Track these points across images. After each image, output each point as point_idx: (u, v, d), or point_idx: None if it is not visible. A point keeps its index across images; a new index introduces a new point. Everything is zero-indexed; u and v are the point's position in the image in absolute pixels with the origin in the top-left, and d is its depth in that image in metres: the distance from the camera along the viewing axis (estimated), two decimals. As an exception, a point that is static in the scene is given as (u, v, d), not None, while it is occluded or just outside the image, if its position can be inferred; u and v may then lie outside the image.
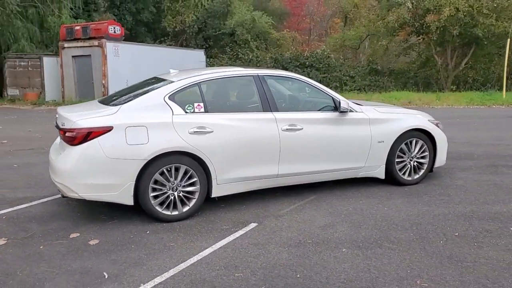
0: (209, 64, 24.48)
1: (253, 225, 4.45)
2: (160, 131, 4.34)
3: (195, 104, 4.62)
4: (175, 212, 4.50)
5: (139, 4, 25.01)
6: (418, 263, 3.60)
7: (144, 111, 4.41)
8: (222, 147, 4.59)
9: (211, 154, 4.53)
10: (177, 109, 4.51)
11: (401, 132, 5.45)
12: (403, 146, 5.53)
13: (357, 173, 5.40)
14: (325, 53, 24.30)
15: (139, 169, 4.25)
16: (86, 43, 17.35)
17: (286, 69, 23.54)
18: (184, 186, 4.49)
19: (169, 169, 4.41)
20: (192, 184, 4.53)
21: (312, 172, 5.10)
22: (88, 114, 4.42)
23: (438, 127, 5.82)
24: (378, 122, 5.35)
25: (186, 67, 20.57)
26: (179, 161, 4.43)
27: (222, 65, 24.04)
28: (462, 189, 5.50)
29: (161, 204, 4.44)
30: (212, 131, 4.55)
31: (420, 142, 5.62)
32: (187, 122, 4.47)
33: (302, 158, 5.00)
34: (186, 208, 4.54)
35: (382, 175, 5.50)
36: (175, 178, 4.45)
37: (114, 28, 17.45)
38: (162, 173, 4.39)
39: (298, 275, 3.42)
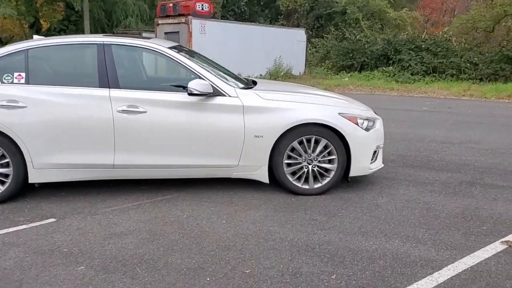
0: (313, 45, 23.35)
1: (49, 220, 3.88)
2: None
3: (15, 74, 4.16)
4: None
5: (253, -17, 24.88)
6: None
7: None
8: (37, 126, 4.09)
9: (23, 133, 4.06)
10: (-9, 78, 4.10)
11: (290, 127, 4.26)
12: (295, 144, 4.31)
13: (230, 173, 4.39)
14: (445, 35, 21.26)
15: None
16: (176, 20, 17.80)
17: (399, 52, 21.32)
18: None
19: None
20: (4, 166, 4.11)
21: (163, 166, 4.28)
22: None
23: (361, 125, 4.41)
24: (255, 111, 4.24)
25: (281, 47, 19.93)
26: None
27: (326, 46, 22.71)
28: (366, 210, 4.16)
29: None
30: (26, 107, 4.05)
31: (323, 142, 4.32)
32: (-3, 94, 4.04)
33: (148, 148, 4.22)
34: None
35: (265, 179, 4.39)
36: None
37: (202, 5, 17.56)
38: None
39: None
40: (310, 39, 23.37)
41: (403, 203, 4.29)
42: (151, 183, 4.69)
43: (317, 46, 23.05)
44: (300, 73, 20.80)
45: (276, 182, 4.49)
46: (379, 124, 4.63)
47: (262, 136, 4.26)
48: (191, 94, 4.09)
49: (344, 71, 20.64)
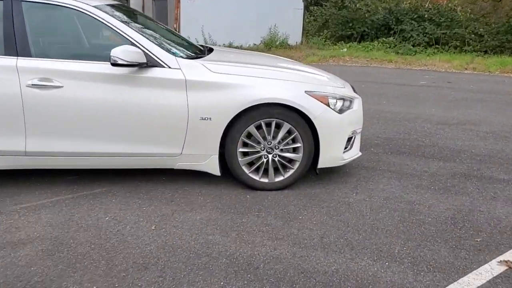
0: (311, 13, 22.21)
1: None
2: None
3: None
4: None
5: None
6: None
7: None
8: None
9: None
10: None
11: (244, 107, 3.42)
12: (252, 129, 3.49)
13: (172, 163, 3.58)
14: (450, 5, 20.08)
15: None
16: (163, -15, 16.74)
17: (400, 22, 20.24)
18: None
19: None
20: None
21: (86, 154, 3.49)
22: None
23: (333, 106, 3.62)
24: (202, 87, 3.40)
25: (277, 15, 18.80)
26: None
27: (324, 15, 21.57)
28: (334, 212, 3.42)
29: None
30: None
31: (286, 127, 3.50)
32: None
33: (66, 132, 3.42)
34: None
35: (215, 170, 3.59)
36: None
37: (191, -32, 16.40)
38: None
39: None
40: (308, 7, 22.22)
41: (381, 202, 3.50)
42: (83, 173, 3.90)
43: (315, 15, 21.91)
44: (296, 42, 19.76)
45: (232, 174, 3.69)
46: (357, 104, 3.80)
47: (210, 119, 3.44)
48: (115, 64, 3.25)
49: (342, 42, 19.61)
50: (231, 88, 3.45)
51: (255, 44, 17.57)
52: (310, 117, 3.50)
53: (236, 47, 15.61)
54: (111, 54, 3.22)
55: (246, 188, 3.69)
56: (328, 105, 3.57)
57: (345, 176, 4.02)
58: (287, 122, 3.53)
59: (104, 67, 3.37)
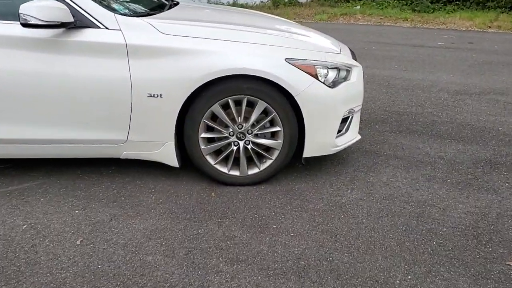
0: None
1: None
2: None
3: None
4: None
5: None
6: None
7: None
8: None
9: None
10: None
11: (206, 81, 2.61)
12: (217, 109, 2.69)
13: (117, 152, 2.82)
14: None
15: None
16: None
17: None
18: None
19: None
20: None
21: (6, 140, 2.70)
22: None
23: (323, 78, 2.77)
24: (148, 54, 2.59)
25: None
26: None
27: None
28: (320, 219, 2.67)
29: None
30: None
31: (261, 105, 2.68)
32: None
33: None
34: None
35: (172, 161, 2.81)
36: None
37: None
38: None
39: None
40: (319, -39, 20.72)
41: (383, 202, 2.70)
42: (18, 161, 3.15)
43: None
44: (307, 0, 18.49)
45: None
46: (356, 75, 2.96)
47: (160, 96, 2.63)
48: (26, 25, 2.43)
49: (356, -1, 18.29)
50: (187, 55, 2.62)
51: (262, 2, 16.41)
52: (292, 92, 2.68)
53: (242, 6, 14.52)
54: (20, 11, 2.41)
55: (213, 183, 2.92)
56: (316, 76, 2.73)
57: (340, 164, 3.21)
58: (262, 99, 2.71)
59: (19, 30, 2.55)
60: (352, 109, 2.97)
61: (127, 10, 2.87)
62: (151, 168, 3.08)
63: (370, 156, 3.38)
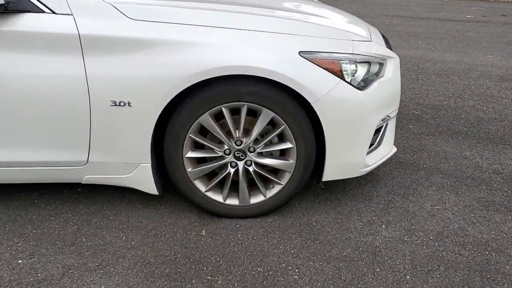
0: None
1: None
2: None
3: None
4: None
5: None
6: None
7: None
8: None
9: None
10: None
11: (192, 83, 1.89)
12: (207, 121, 1.97)
13: (77, 176, 2.14)
14: None
15: None
16: None
17: None
18: None
19: None
20: None
21: None
22: None
23: (349, 76, 2.05)
24: (110, 48, 1.86)
25: None
26: None
27: None
28: (338, 274, 1.92)
29: None
30: None
31: (266, 115, 1.95)
32: None
33: None
34: None
35: (150, 187, 2.11)
36: None
37: None
38: None
39: None
40: None
41: (430, 246, 2.00)
42: None
43: None
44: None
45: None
46: (392, 68, 2.20)
47: (128, 104, 1.91)
48: None
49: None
50: (165, 48, 1.88)
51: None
52: (309, 99, 1.94)
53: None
54: None
55: (204, 215, 2.22)
56: (341, 75, 1.97)
57: (369, 183, 2.49)
58: (267, 107, 1.97)
59: None
60: (387, 115, 2.23)
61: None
62: (125, 190, 2.38)
63: (407, 170, 2.65)
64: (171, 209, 2.29)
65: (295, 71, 1.93)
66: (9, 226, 2.17)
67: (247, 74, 1.92)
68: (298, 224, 2.18)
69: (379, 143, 2.30)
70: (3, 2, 1.82)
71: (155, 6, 2.02)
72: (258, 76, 1.92)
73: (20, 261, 1.94)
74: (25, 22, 1.86)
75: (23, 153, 2.04)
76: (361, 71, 2.09)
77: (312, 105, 1.98)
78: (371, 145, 2.23)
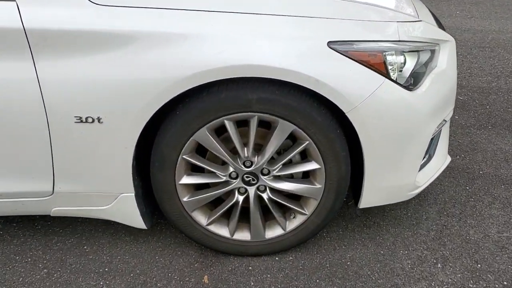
0: None
1: None
2: None
3: None
4: None
5: None
6: None
7: None
8: None
9: None
10: None
11: (183, 90, 1.37)
12: (204, 138, 1.44)
13: (43, 207, 1.66)
14: None
15: None
16: None
17: None
18: None
19: None
20: None
21: None
22: None
23: (396, 72, 1.51)
24: (70, 46, 1.31)
25: None
26: None
27: None
28: None
29: None
30: None
31: (284, 128, 1.41)
32: None
33: None
34: None
35: (135, 221, 1.62)
36: None
37: None
38: None
39: None
40: None
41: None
42: None
43: None
44: None
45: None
46: (445, 56, 1.65)
47: (98, 120, 1.41)
48: None
49: None
50: (143, 44, 1.35)
51: None
52: (342, 107, 1.39)
53: None
54: None
55: (207, 252, 1.72)
56: (385, 71, 1.42)
57: (413, 199, 1.97)
58: (285, 119, 1.43)
59: None
60: (444, 120, 1.68)
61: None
62: (112, 226, 1.89)
63: (460, 179, 2.11)
64: (166, 244, 1.81)
65: (322, 69, 1.39)
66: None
67: (256, 76, 1.38)
68: (328, 265, 1.68)
69: (431, 157, 1.76)
70: None
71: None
72: (271, 78, 1.39)
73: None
74: None
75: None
76: (410, 63, 1.54)
77: (347, 114, 1.44)
78: (422, 160, 1.69)
